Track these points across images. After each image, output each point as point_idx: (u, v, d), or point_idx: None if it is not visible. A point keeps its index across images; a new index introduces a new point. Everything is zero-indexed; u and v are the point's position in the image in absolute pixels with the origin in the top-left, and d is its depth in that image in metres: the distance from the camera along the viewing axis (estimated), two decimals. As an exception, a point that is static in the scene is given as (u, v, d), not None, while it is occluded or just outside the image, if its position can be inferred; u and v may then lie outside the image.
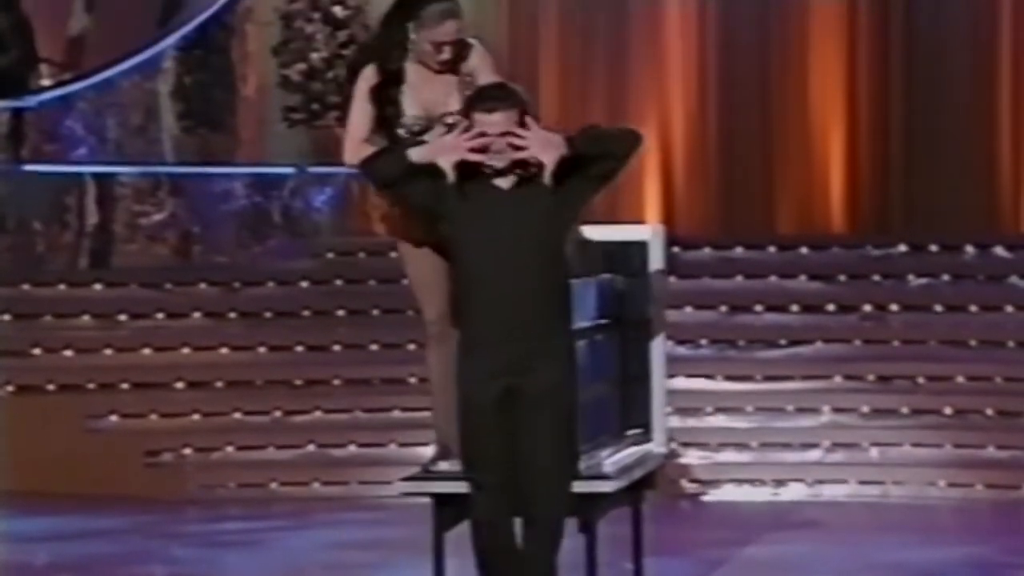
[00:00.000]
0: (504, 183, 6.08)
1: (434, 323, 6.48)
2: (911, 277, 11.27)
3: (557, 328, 6.05)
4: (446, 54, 6.37)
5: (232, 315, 11.52)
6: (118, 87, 12.43)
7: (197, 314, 11.52)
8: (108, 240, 12.04)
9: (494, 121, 6.02)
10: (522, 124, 6.07)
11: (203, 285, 11.67)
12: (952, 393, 10.67)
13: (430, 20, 6.36)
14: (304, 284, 11.69)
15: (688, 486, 10.36)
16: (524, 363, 6.00)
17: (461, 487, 6.39)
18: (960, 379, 10.75)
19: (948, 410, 10.60)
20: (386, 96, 6.43)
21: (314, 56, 12.58)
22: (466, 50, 6.45)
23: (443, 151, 6.09)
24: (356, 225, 12.34)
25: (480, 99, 6.09)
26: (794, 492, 10.27)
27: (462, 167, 6.03)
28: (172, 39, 12.62)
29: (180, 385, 11.16)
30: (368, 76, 6.41)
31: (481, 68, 6.43)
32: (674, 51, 12.80)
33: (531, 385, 6.00)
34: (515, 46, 12.75)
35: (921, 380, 10.77)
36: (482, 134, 6.02)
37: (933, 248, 11.39)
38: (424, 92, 6.35)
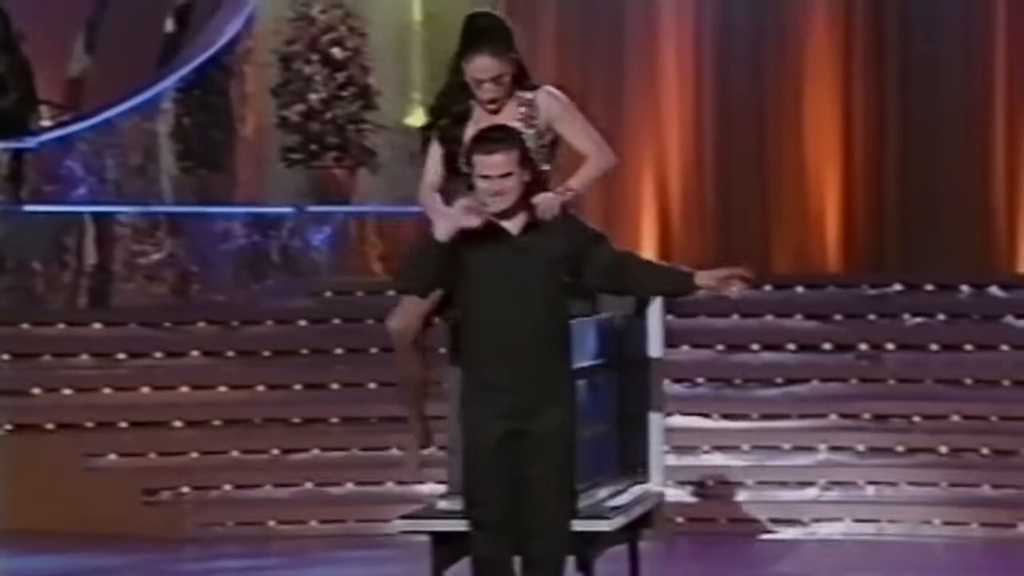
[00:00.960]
0: (513, 227, 6.11)
1: (394, 331, 6.55)
2: (907, 316, 11.30)
3: (561, 371, 6.10)
4: (488, 92, 6.35)
5: (230, 354, 11.55)
6: (117, 128, 12.49)
7: (196, 353, 11.55)
8: (107, 279, 12.07)
9: (495, 163, 6.05)
10: (523, 163, 6.10)
11: (202, 324, 11.70)
12: (947, 432, 10.69)
13: (467, 57, 6.38)
14: (302, 323, 11.72)
15: (685, 525, 10.37)
16: (529, 406, 6.04)
17: (459, 525, 6.41)
18: (956, 418, 10.77)
19: (944, 449, 10.62)
20: (451, 135, 6.45)
21: (312, 97, 12.64)
22: (527, 90, 6.40)
23: (442, 222, 6.09)
24: (354, 264, 12.40)
25: (479, 142, 6.13)
26: (790, 530, 10.29)
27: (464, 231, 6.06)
28: (171, 80, 12.69)
29: (178, 424, 11.18)
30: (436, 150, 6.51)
31: (555, 116, 6.40)
32: (670, 89, 12.87)
33: (536, 427, 6.04)
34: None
35: (917, 419, 10.79)
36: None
37: (928, 287, 11.42)
38: None
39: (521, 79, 6.50)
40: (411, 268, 6.38)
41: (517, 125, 6.36)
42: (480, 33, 6.40)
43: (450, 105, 6.54)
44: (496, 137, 6.11)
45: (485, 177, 6.04)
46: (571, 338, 6.23)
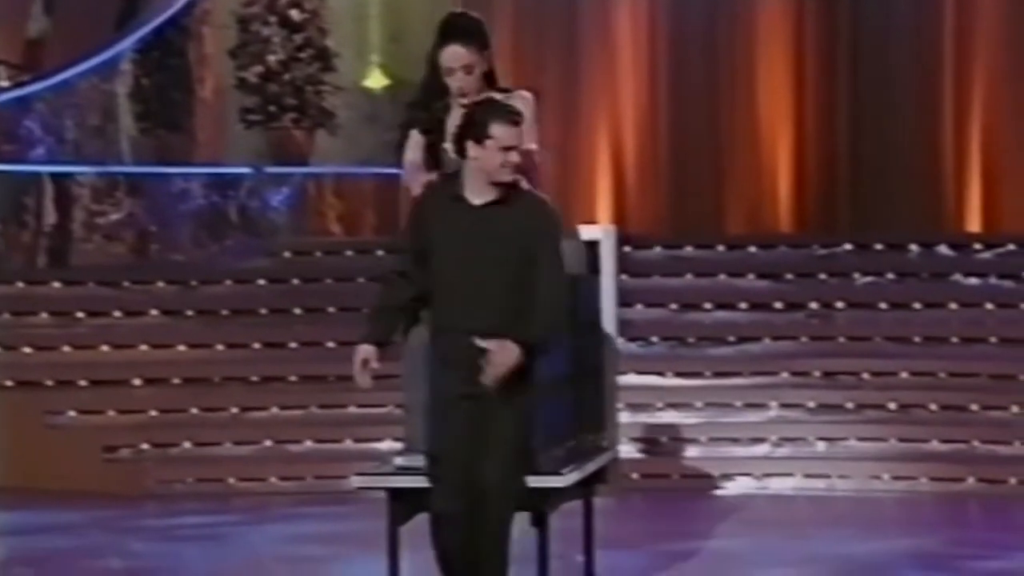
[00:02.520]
0: (479, 199, 6.21)
1: None
2: (856, 275, 11.41)
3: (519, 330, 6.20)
4: (458, 81, 6.52)
5: (190, 313, 11.60)
6: (76, 88, 12.47)
7: (155, 312, 11.60)
8: (66, 239, 12.09)
9: (513, 134, 6.13)
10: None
11: (161, 283, 11.75)
12: (896, 388, 10.82)
13: (440, 47, 6.59)
14: (261, 282, 11.78)
15: (639, 480, 10.50)
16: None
17: (416, 481, 6.52)
18: (904, 375, 10.90)
19: (892, 405, 10.75)
20: (432, 126, 6.66)
21: (271, 59, 12.66)
22: (499, 91, 6.56)
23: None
24: (313, 225, 12.46)
25: (497, 113, 6.17)
26: (742, 486, 10.41)
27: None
28: (130, 41, 12.68)
29: (138, 382, 11.24)
30: (415, 142, 6.69)
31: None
32: (625, 54, 12.95)
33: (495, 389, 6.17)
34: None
35: (866, 376, 10.92)
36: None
37: (878, 247, 11.52)
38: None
39: (492, 80, 6.67)
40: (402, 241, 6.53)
41: None
42: (455, 27, 6.63)
43: (430, 100, 6.68)
44: (508, 108, 6.19)
45: (507, 148, 6.11)
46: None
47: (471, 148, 6.13)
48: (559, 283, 6.19)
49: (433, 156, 6.72)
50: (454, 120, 6.45)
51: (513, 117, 6.17)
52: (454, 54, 6.56)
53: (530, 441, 6.32)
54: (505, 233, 6.15)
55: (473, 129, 6.13)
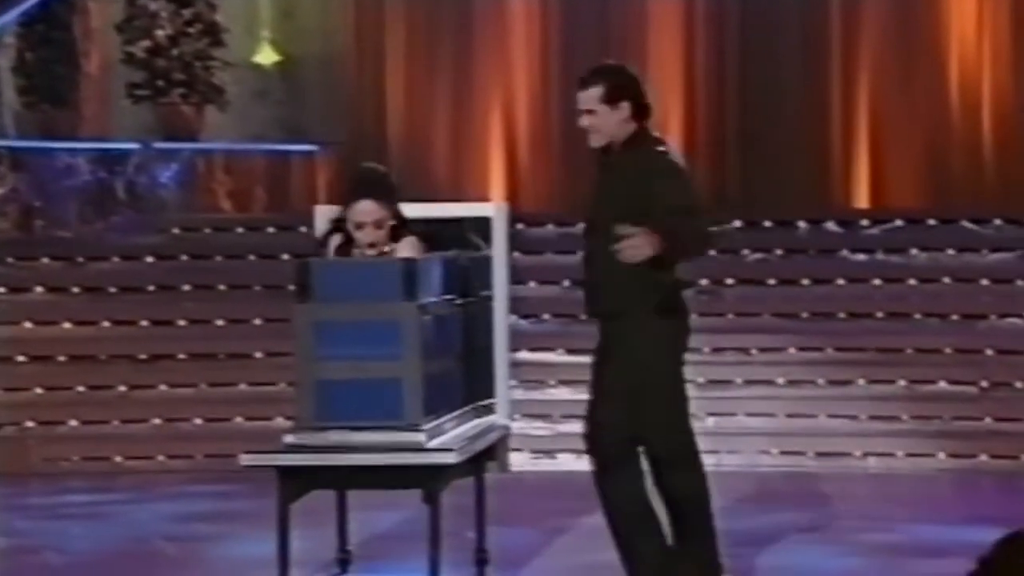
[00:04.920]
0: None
1: None
2: (746, 252, 11.51)
3: None
4: (366, 235, 6.78)
5: (76, 290, 11.49)
6: (-42, 62, 12.33)
7: (40, 288, 11.48)
8: (-51, 214, 11.93)
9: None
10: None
11: (46, 260, 11.62)
12: (785, 364, 10.94)
13: (350, 203, 6.84)
14: (149, 259, 11.68)
15: (530, 457, 10.54)
16: None
17: (305, 459, 6.51)
18: (792, 350, 11.02)
19: (781, 380, 10.87)
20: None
21: (159, 33, 12.52)
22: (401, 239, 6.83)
23: None
24: (202, 201, 12.36)
25: None
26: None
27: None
28: (13, 14, 12.50)
29: (22, 359, 11.12)
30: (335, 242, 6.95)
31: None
32: (518, 32, 12.94)
33: None
34: (360, 21, 12.87)
35: (754, 351, 11.03)
36: None
37: (767, 224, 11.63)
38: None
39: (401, 229, 6.89)
40: None
41: None
42: (366, 182, 6.91)
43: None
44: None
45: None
46: None
47: None
48: None
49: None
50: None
51: None
52: (365, 210, 6.79)
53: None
54: None
55: None
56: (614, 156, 6.67)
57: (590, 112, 6.58)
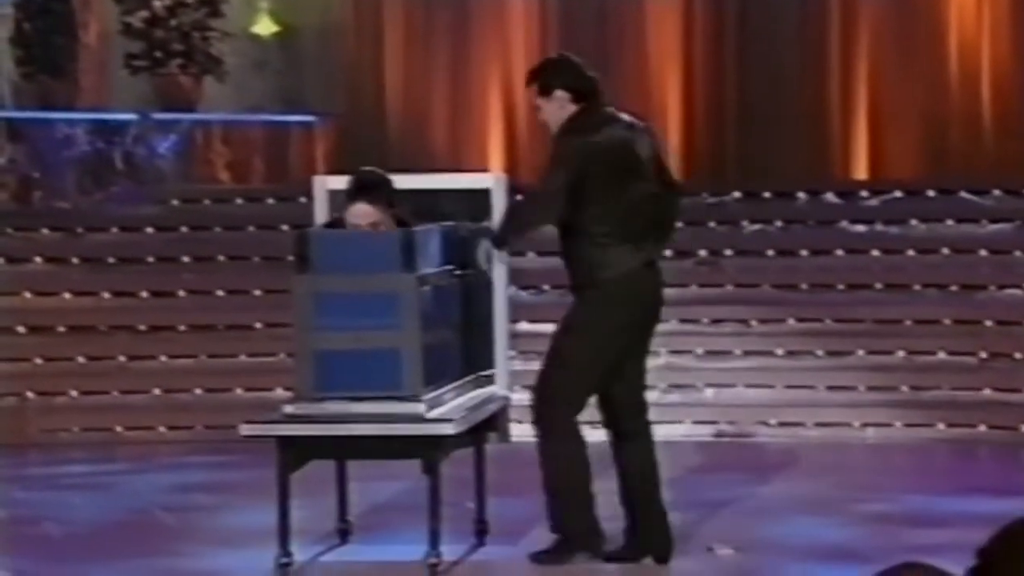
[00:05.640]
0: None
1: None
2: (745, 223, 11.50)
3: None
4: None
5: (75, 261, 11.49)
6: (-44, 33, 12.30)
7: (39, 259, 11.47)
8: (-54, 185, 11.92)
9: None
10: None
11: (45, 230, 11.61)
12: (784, 335, 10.95)
13: (347, 205, 6.91)
14: (149, 230, 11.68)
15: (529, 428, 10.54)
16: None
17: (304, 429, 6.53)
18: (791, 321, 11.03)
19: (780, 351, 10.87)
20: None
21: (156, 4, 12.50)
22: None
23: None
24: (201, 172, 12.36)
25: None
26: (632, 432, 10.48)
27: None
28: (11, -16, 12.49)
29: (22, 330, 11.12)
30: None
31: None
32: (516, 2, 12.93)
33: None
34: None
35: (754, 323, 11.04)
36: None
37: (766, 195, 11.61)
38: None
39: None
40: None
41: None
42: (363, 184, 6.96)
43: None
44: None
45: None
46: None
47: None
48: None
49: None
50: None
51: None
52: (360, 212, 6.86)
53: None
54: None
55: None
56: None
57: (537, 108, 6.97)
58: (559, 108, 6.82)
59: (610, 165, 6.77)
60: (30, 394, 10.80)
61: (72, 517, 8.25)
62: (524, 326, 10.81)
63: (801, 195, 11.54)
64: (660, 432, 10.40)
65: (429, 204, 7.08)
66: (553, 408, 6.86)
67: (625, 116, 7.00)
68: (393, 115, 12.85)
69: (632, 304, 6.87)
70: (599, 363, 6.88)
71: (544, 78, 6.88)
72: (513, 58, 12.91)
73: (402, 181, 7.11)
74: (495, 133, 12.87)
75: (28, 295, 11.29)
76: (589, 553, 6.86)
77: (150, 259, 11.48)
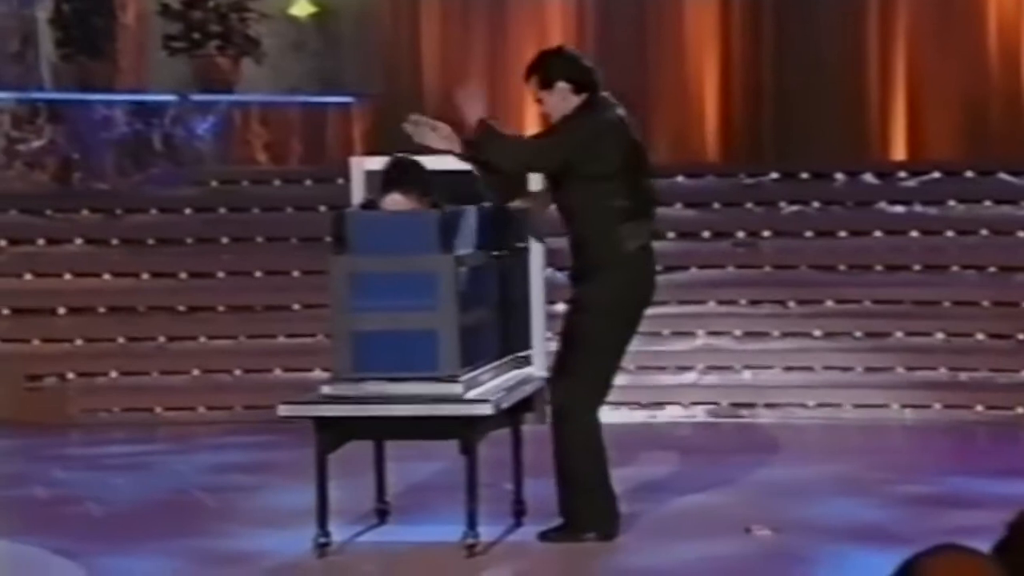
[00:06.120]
0: None
1: None
2: (783, 204, 11.49)
3: None
4: None
5: (115, 242, 11.55)
6: (-4, 14, 12.36)
7: (79, 240, 11.54)
8: (-14, 166, 11.99)
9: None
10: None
11: (85, 212, 11.68)
12: (822, 316, 10.93)
13: (382, 194, 6.94)
14: (187, 211, 11.74)
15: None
16: None
17: (342, 410, 6.55)
18: (829, 302, 11.01)
19: (818, 332, 10.85)
20: None
21: (194, -16, 12.56)
22: None
23: None
24: (239, 154, 12.40)
25: None
26: (670, 414, 10.50)
27: None
28: (51, -33, 12.54)
29: (62, 311, 11.19)
30: None
31: None
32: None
33: None
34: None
35: (791, 304, 11.02)
36: None
37: (804, 176, 11.60)
38: None
39: None
40: None
41: None
42: (396, 174, 6.99)
43: None
44: None
45: None
46: None
47: None
48: None
49: None
50: None
51: None
52: (394, 201, 6.88)
53: None
54: None
55: None
56: None
57: (539, 101, 7.03)
58: (561, 100, 6.90)
59: (624, 142, 6.84)
60: (71, 375, 10.86)
61: (113, 497, 8.29)
62: (561, 307, 10.79)
63: (839, 176, 11.53)
64: (698, 414, 10.52)
65: (467, 185, 7.04)
66: (578, 394, 6.84)
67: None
68: (430, 95, 12.86)
69: (650, 277, 6.93)
70: (625, 343, 6.92)
71: (544, 71, 6.94)
72: (550, 36, 12.89)
73: (439, 162, 7.10)
74: (532, 112, 12.85)
75: (68, 276, 11.35)
76: (599, 534, 6.86)
77: (189, 240, 11.53)
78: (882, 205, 11.36)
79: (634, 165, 6.91)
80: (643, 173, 6.99)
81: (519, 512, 7.28)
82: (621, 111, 7.00)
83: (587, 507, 6.88)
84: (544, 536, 6.91)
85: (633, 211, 6.85)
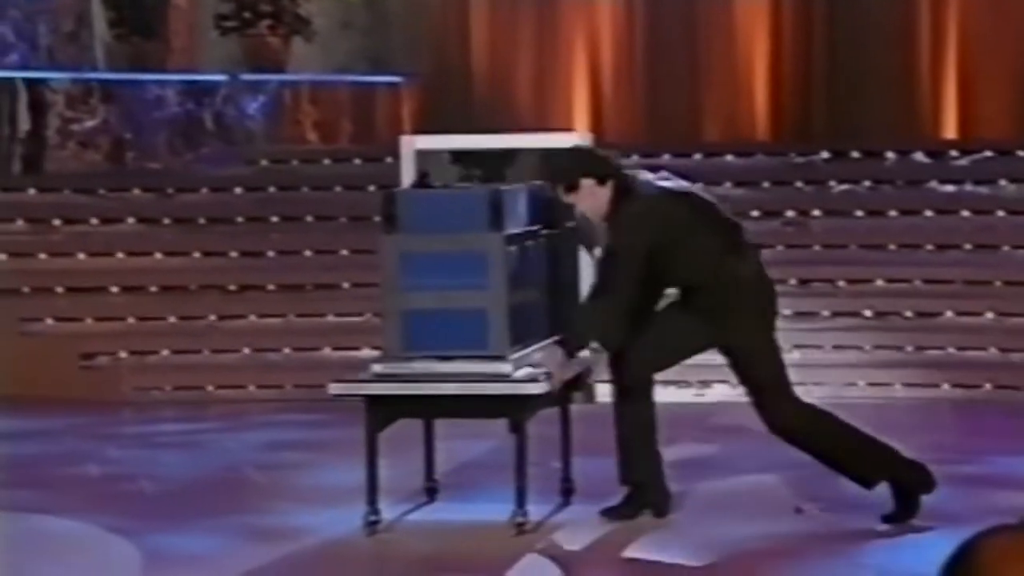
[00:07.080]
0: None
1: None
2: (832, 183, 11.45)
3: None
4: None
5: (166, 221, 11.62)
6: (50, -6, 12.42)
7: (131, 220, 11.61)
8: (40, 146, 12.06)
9: None
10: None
11: (137, 191, 11.75)
12: (872, 295, 10.90)
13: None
14: (238, 191, 11.79)
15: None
16: None
17: (393, 388, 6.58)
18: (879, 282, 10.98)
19: (868, 312, 10.82)
20: None
21: (246, -35, 12.60)
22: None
23: None
24: (289, 133, 12.44)
25: None
26: (718, 393, 10.48)
27: None
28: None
29: (115, 289, 11.26)
30: None
31: None
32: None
33: None
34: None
35: (842, 283, 10.99)
36: None
37: (854, 154, 11.56)
38: None
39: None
40: None
41: None
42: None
43: None
44: None
45: None
46: None
47: None
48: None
49: None
50: None
51: None
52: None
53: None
54: None
55: None
56: None
57: (571, 206, 6.97)
58: (591, 196, 6.84)
59: (670, 205, 6.89)
60: (123, 353, 10.94)
61: (165, 475, 8.35)
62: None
63: (890, 155, 11.48)
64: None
65: (514, 164, 7.07)
66: (634, 368, 6.89)
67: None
68: (479, 75, 12.87)
69: (769, 291, 7.44)
70: (680, 324, 6.99)
71: (565, 177, 6.88)
72: (599, 16, 12.89)
73: (487, 141, 7.13)
74: (580, 92, 12.86)
75: (121, 255, 11.42)
76: (655, 511, 6.92)
77: (239, 219, 11.58)
78: (933, 184, 11.31)
79: (700, 210, 6.92)
80: (710, 209, 6.97)
81: (567, 491, 7.30)
82: (645, 176, 6.99)
83: (645, 485, 6.94)
84: (605, 513, 6.95)
85: (726, 246, 6.91)
